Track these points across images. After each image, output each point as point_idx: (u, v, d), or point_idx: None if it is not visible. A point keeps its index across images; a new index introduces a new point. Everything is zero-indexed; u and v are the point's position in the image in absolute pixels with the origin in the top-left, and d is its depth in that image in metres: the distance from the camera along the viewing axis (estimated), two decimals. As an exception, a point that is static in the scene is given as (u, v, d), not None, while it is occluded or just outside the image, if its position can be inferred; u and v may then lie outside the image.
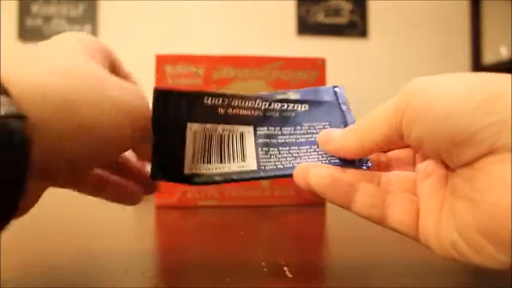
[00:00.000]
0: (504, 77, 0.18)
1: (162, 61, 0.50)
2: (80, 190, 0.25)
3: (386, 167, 0.24)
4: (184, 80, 0.50)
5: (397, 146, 0.22)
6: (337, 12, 1.96)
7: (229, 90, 0.50)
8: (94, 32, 1.80)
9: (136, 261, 0.26)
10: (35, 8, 1.77)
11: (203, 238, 0.34)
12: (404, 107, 0.19)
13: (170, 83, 0.50)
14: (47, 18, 1.78)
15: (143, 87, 0.23)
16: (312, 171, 0.21)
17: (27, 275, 0.22)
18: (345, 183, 0.21)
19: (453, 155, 0.19)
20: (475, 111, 0.17)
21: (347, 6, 1.96)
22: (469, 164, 0.18)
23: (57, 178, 0.20)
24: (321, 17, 1.95)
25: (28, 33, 1.76)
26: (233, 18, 1.88)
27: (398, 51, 1.99)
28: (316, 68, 0.53)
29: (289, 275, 0.23)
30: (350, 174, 0.22)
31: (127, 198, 0.26)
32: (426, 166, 0.22)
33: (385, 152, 0.24)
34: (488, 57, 2.03)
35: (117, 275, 0.23)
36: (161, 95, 0.23)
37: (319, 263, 0.27)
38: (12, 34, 1.75)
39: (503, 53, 1.95)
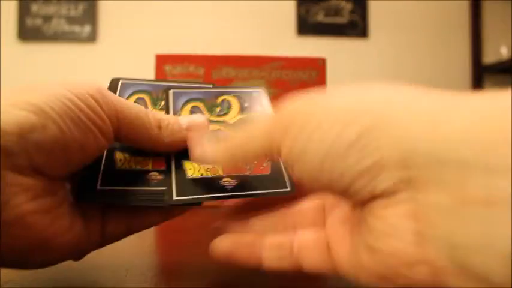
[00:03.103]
0: (390, 93, 0.16)
1: (162, 61, 0.50)
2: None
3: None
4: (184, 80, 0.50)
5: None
6: (337, 12, 1.96)
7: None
8: (94, 32, 1.80)
9: (136, 261, 0.26)
10: (34, 7, 1.77)
11: (203, 238, 0.34)
12: (279, 140, 0.17)
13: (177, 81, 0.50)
14: (47, 18, 1.78)
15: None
16: (214, 241, 0.21)
17: (27, 275, 0.22)
18: (245, 244, 0.20)
19: (339, 199, 0.17)
20: (346, 157, 0.15)
21: (347, 6, 1.96)
22: (361, 206, 0.16)
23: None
24: (321, 17, 1.95)
25: (28, 33, 1.76)
26: (233, 18, 1.88)
27: (398, 51, 1.99)
28: (316, 68, 0.53)
29: (289, 275, 0.23)
30: (253, 229, 0.21)
31: None
32: (334, 199, 0.20)
33: None
34: (488, 57, 2.03)
35: (117, 275, 0.23)
36: None
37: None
38: (12, 34, 1.75)
39: (503, 53, 1.95)
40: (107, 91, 0.20)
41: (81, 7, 1.80)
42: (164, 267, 0.26)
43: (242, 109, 0.26)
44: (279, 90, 0.50)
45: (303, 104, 0.17)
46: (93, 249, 0.22)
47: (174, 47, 1.75)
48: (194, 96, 0.26)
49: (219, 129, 0.24)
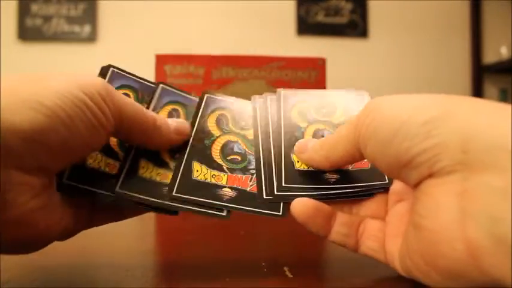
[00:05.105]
0: (454, 97, 0.18)
1: (162, 61, 0.50)
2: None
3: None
4: (184, 80, 0.50)
5: (359, 160, 0.23)
6: (337, 12, 1.96)
7: (228, 90, 0.50)
8: (94, 32, 1.80)
9: (137, 261, 0.26)
10: (34, 8, 1.77)
11: (203, 238, 0.34)
12: (361, 125, 0.20)
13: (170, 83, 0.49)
14: (47, 18, 1.78)
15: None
16: (296, 200, 0.22)
17: (27, 275, 0.22)
18: (325, 214, 0.22)
19: (402, 175, 0.19)
20: (416, 134, 0.17)
21: (347, 6, 1.96)
22: (416, 186, 0.18)
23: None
24: (321, 17, 1.95)
25: (28, 33, 1.76)
26: (233, 18, 1.88)
27: (398, 51, 1.99)
28: (316, 68, 0.53)
29: (289, 275, 0.23)
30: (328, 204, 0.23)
31: None
32: (400, 190, 0.23)
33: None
34: (488, 57, 2.03)
35: (117, 275, 0.23)
36: None
37: (319, 263, 0.27)
38: (12, 34, 1.75)
39: (503, 53, 1.95)
40: (113, 89, 0.21)
41: (81, 7, 1.80)
42: (164, 267, 0.26)
43: (346, 111, 0.27)
44: (279, 90, 0.50)
45: (380, 98, 0.20)
46: (80, 231, 0.23)
47: (174, 47, 1.75)
48: (302, 98, 0.27)
49: (324, 128, 0.26)
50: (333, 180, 0.24)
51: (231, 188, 0.23)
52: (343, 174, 0.24)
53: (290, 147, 0.25)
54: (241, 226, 0.39)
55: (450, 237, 0.16)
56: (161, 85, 0.26)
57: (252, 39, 1.86)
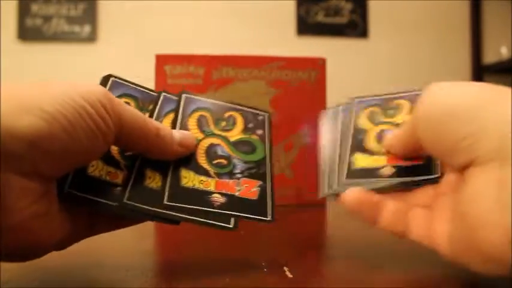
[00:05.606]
0: (496, 87, 0.19)
1: (162, 61, 0.50)
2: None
3: None
4: (184, 80, 0.50)
5: (417, 149, 0.24)
6: (337, 12, 1.96)
7: (227, 92, 0.50)
8: (94, 32, 1.80)
9: (137, 261, 0.26)
10: (34, 8, 1.77)
11: (203, 238, 0.34)
12: (417, 109, 0.21)
13: (170, 83, 0.50)
14: (47, 18, 1.78)
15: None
16: (348, 189, 0.23)
17: (27, 275, 0.22)
18: (374, 202, 0.23)
19: (447, 160, 0.20)
20: (459, 120, 0.18)
21: (347, 6, 1.96)
22: (460, 172, 0.19)
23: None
24: (321, 17, 1.95)
25: (28, 33, 1.76)
26: (233, 18, 1.88)
27: (398, 51, 1.99)
28: (316, 68, 0.53)
29: (289, 275, 0.23)
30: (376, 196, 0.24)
31: None
32: (446, 183, 0.23)
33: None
34: (488, 57, 2.03)
35: (118, 274, 0.23)
36: None
37: (319, 263, 0.27)
38: (12, 34, 1.75)
39: (503, 53, 1.95)
40: (113, 97, 0.21)
41: (81, 7, 1.80)
42: (164, 267, 0.26)
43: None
44: (279, 90, 0.50)
45: (434, 84, 0.21)
46: (78, 241, 0.22)
47: (174, 47, 1.75)
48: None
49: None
50: (387, 174, 0.25)
51: (221, 194, 0.23)
52: (398, 169, 0.25)
53: (354, 148, 0.27)
54: (241, 226, 0.39)
55: (490, 223, 0.17)
56: (163, 93, 0.26)
57: (252, 39, 1.86)
